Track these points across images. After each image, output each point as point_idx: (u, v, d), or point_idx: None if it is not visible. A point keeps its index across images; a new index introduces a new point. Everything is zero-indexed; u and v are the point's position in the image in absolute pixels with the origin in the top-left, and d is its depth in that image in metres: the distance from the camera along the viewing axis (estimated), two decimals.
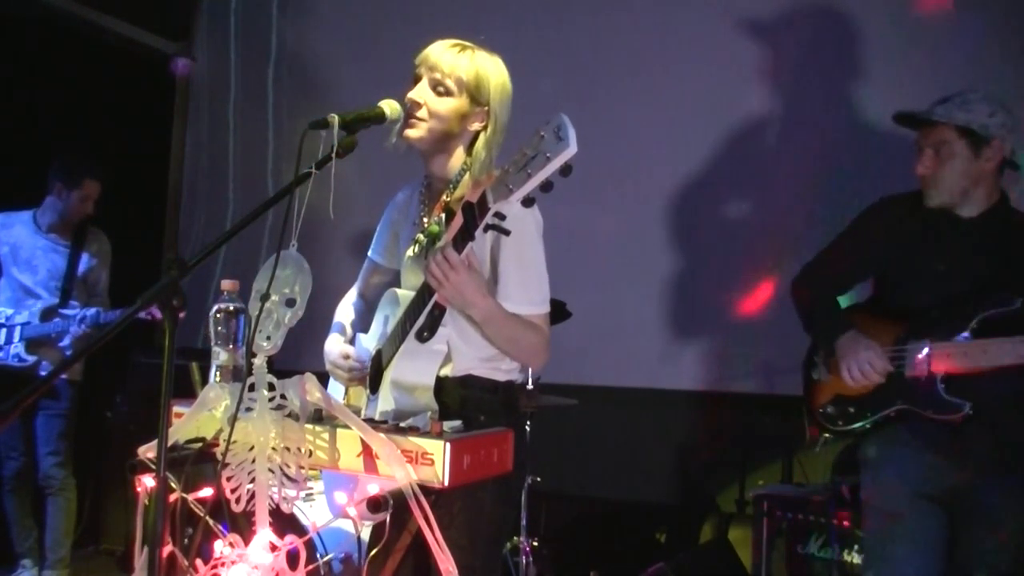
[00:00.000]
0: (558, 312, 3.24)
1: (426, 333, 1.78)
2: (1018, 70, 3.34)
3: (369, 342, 2.05)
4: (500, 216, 1.63)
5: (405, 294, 1.91)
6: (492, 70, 1.93)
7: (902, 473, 2.34)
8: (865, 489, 2.46)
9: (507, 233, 1.67)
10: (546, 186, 1.54)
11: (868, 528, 2.45)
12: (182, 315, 1.38)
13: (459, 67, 1.89)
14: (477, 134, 1.94)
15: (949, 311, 2.26)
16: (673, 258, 4.01)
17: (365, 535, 1.85)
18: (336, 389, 2.09)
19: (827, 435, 2.48)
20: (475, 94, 1.90)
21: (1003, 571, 2.23)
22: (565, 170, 1.51)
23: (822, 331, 2.47)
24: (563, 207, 3.65)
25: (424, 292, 1.79)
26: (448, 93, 1.90)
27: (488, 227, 1.64)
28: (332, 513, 1.91)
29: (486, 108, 1.92)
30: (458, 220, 1.69)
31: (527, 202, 1.58)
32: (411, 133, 1.91)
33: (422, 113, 1.90)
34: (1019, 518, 2.23)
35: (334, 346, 2.07)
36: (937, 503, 2.30)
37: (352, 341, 2.12)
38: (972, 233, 2.31)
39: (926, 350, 2.26)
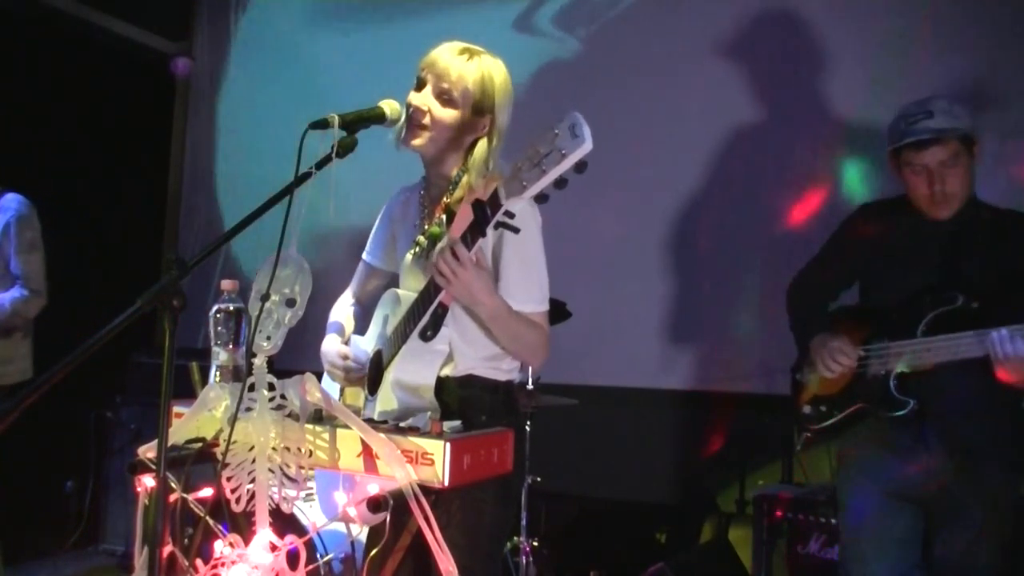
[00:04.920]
0: (558, 312, 3.24)
1: (429, 332, 1.77)
2: (1012, 68, 3.36)
3: (366, 343, 2.04)
4: (510, 214, 1.63)
5: (406, 295, 1.91)
6: (497, 77, 1.91)
7: (870, 472, 2.39)
8: (839, 488, 2.52)
9: (516, 231, 1.67)
10: (560, 183, 1.55)
11: (842, 526, 2.50)
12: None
13: (466, 77, 1.87)
14: (478, 139, 1.93)
15: (906, 311, 2.29)
16: (673, 258, 4.02)
17: (361, 537, 1.86)
18: (331, 390, 2.08)
19: (807, 434, 2.52)
20: (480, 104, 1.89)
21: (980, 569, 2.24)
22: (580, 167, 1.52)
23: (799, 335, 2.54)
24: (564, 208, 3.65)
25: (429, 290, 1.78)
26: (452, 103, 1.88)
27: (499, 224, 1.64)
28: (326, 514, 1.91)
29: (489, 116, 1.91)
30: (466, 218, 1.69)
31: (540, 198, 1.59)
32: (415, 143, 1.90)
33: (426, 121, 1.89)
34: (992, 515, 2.25)
35: (332, 346, 2.06)
36: (908, 502, 2.33)
37: (347, 342, 2.12)
38: (947, 236, 2.33)
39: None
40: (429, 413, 1.67)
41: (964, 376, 2.17)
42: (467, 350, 1.89)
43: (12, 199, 3.44)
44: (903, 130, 2.30)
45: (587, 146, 1.49)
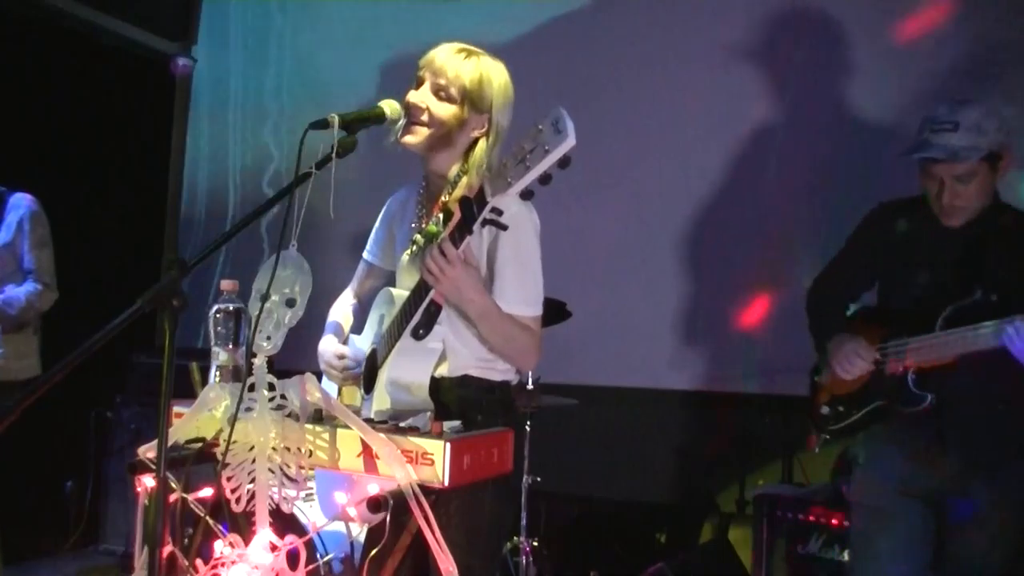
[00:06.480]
0: (558, 312, 3.24)
1: (422, 331, 1.78)
2: (1010, 72, 3.35)
3: (363, 342, 2.05)
4: (497, 211, 1.64)
5: (400, 293, 1.92)
6: (495, 77, 1.92)
7: (886, 471, 2.37)
8: (852, 487, 2.51)
9: (504, 228, 1.68)
10: (545, 179, 1.55)
11: (854, 526, 2.49)
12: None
13: (463, 74, 1.89)
14: (477, 139, 1.94)
15: (924, 308, 2.28)
16: (673, 258, 4.01)
17: (360, 538, 1.86)
18: (329, 389, 2.09)
19: (825, 436, 2.51)
20: (477, 102, 1.90)
21: (994, 570, 2.23)
22: (564, 162, 1.52)
23: (817, 336, 2.52)
24: (564, 208, 3.68)
25: (420, 289, 1.79)
26: (449, 100, 1.89)
27: (486, 222, 1.65)
28: (326, 514, 1.91)
29: (487, 116, 1.92)
30: (456, 216, 1.70)
31: (526, 195, 1.59)
32: (410, 139, 1.91)
33: (423, 118, 1.90)
34: (1008, 518, 2.23)
35: (328, 346, 2.07)
36: (923, 501, 2.32)
37: (346, 342, 2.12)
38: (962, 242, 2.30)
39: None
40: (429, 413, 1.67)
41: (984, 372, 2.14)
42: (461, 349, 1.89)
43: (22, 197, 3.52)
44: (924, 139, 2.24)
45: (570, 141, 1.49)
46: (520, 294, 1.86)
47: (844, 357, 2.35)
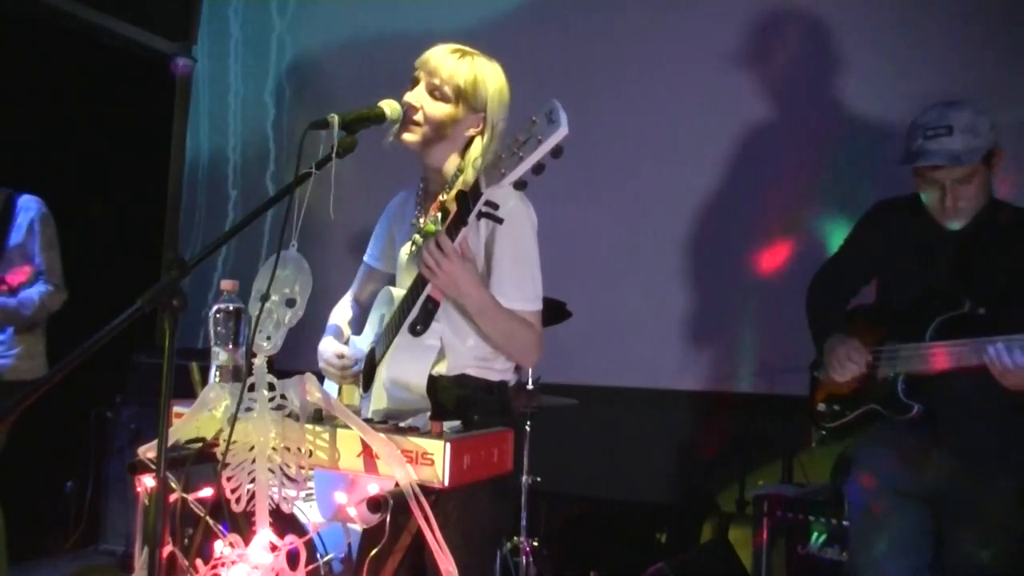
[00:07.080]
0: (558, 312, 3.24)
1: (419, 327, 1.78)
2: (1009, 68, 3.35)
3: (363, 343, 2.05)
4: (493, 205, 1.65)
5: (400, 292, 1.92)
6: (490, 77, 1.93)
7: (881, 472, 2.38)
8: (850, 487, 2.51)
9: (500, 221, 1.69)
10: (538, 168, 1.57)
11: (852, 525, 2.50)
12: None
13: (457, 74, 1.90)
14: (473, 138, 1.95)
15: (916, 314, 2.29)
16: (673, 258, 4.02)
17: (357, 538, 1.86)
18: (330, 390, 2.08)
19: (822, 432, 2.52)
20: (471, 101, 1.91)
21: (990, 568, 2.23)
22: (557, 152, 1.55)
23: (816, 334, 2.53)
24: (564, 208, 3.68)
25: (418, 284, 1.79)
26: (444, 99, 1.90)
27: (481, 214, 1.67)
28: (324, 515, 1.91)
29: (482, 115, 1.93)
30: (452, 211, 1.71)
31: (519, 185, 1.61)
32: (406, 137, 1.92)
33: (418, 117, 1.91)
34: (1005, 518, 2.24)
35: (328, 345, 2.07)
36: (920, 501, 2.33)
37: (346, 343, 2.12)
38: (958, 240, 2.31)
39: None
40: (428, 413, 1.67)
41: (973, 377, 2.14)
42: (459, 347, 1.89)
43: (30, 199, 3.55)
44: (920, 145, 2.22)
45: (563, 131, 1.51)
46: (519, 289, 1.86)
47: (838, 360, 2.37)
